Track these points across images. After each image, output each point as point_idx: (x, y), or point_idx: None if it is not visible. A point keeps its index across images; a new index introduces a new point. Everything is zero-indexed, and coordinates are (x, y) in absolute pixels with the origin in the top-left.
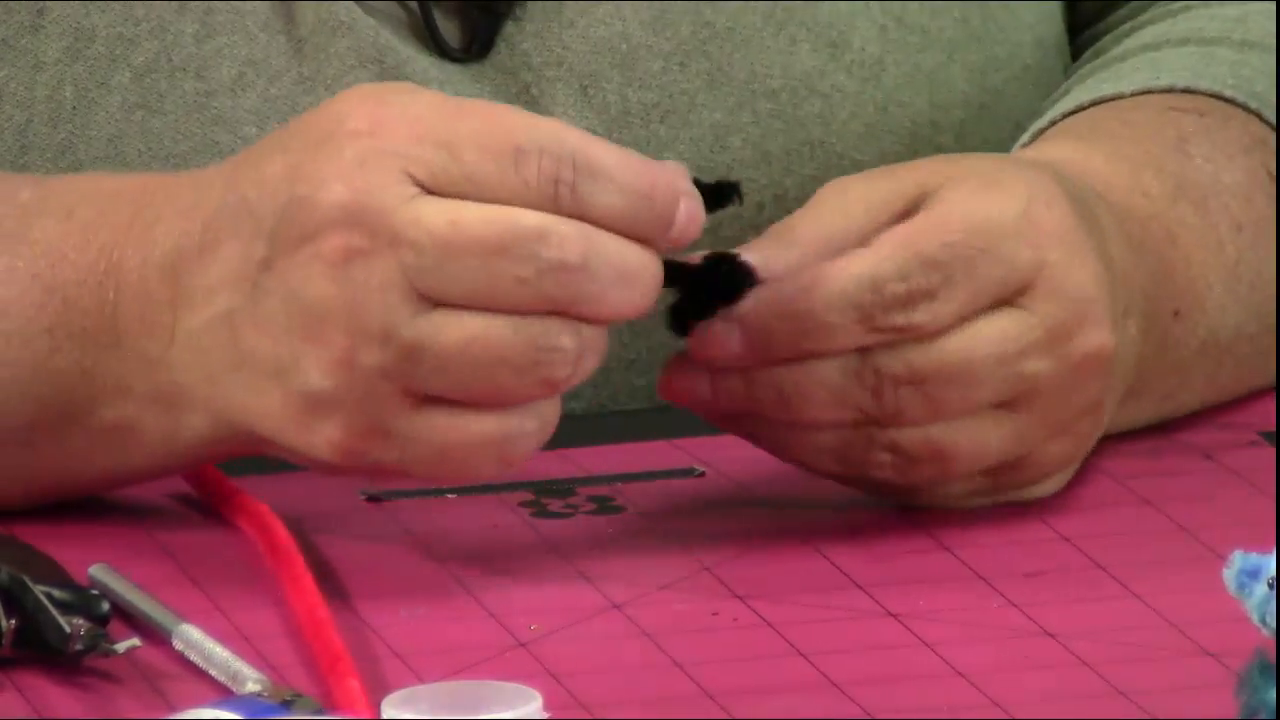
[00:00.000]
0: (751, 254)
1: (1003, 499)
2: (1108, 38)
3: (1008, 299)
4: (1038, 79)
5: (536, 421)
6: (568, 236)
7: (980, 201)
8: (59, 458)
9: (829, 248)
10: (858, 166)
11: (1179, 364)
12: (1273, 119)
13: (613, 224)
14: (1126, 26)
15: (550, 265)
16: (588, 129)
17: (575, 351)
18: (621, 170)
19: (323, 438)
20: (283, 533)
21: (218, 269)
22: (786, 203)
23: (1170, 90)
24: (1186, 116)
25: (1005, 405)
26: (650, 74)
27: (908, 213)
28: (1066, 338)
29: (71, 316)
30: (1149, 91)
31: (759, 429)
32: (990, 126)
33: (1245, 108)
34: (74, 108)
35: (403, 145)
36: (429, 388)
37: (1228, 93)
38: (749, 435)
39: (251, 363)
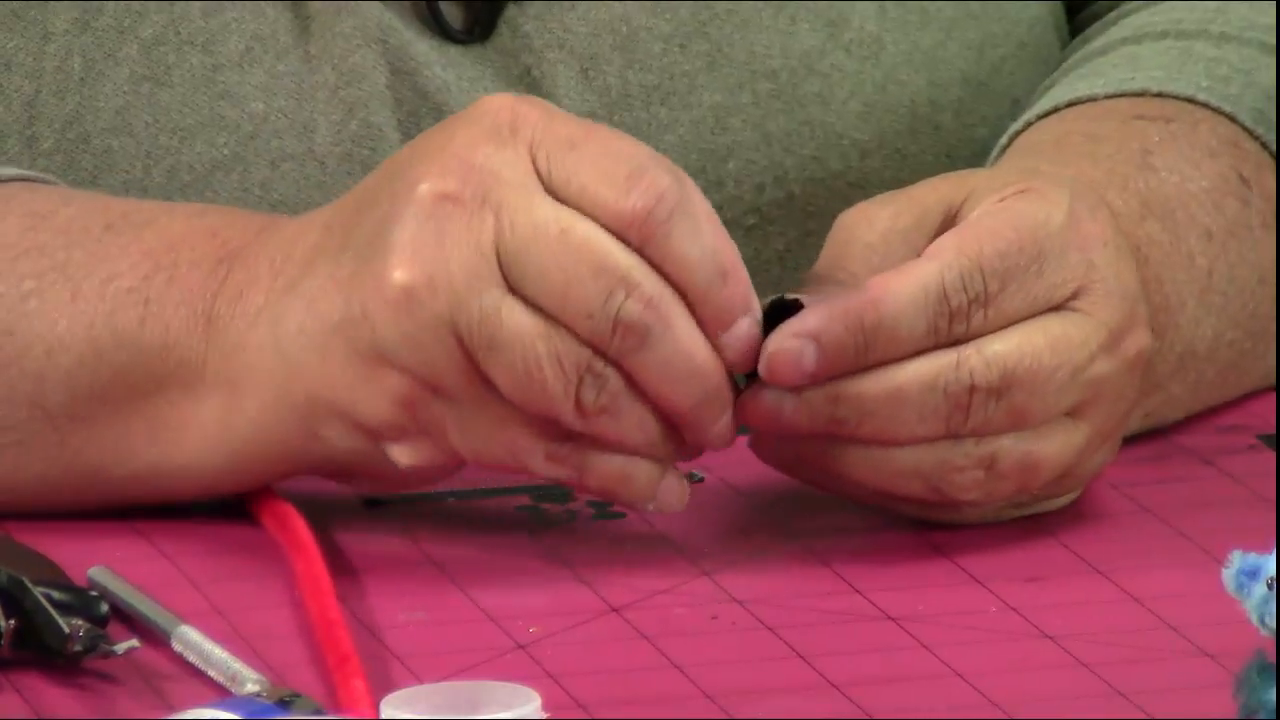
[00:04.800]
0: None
1: (1028, 512)
2: (1097, 24)
3: (1061, 304)
4: (1035, 56)
5: (598, 455)
6: (646, 293)
7: (1025, 207)
8: (107, 441)
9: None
10: (857, 146)
11: (1157, 382)
12: (1246, 119)
13: (682, 280)
14: (1113, 14)
15: (621, 313)
16: (588, 111)
17: (615, 390)
18: (714, 234)
19: (383, 387)
20: (305, 530)
21: (320, 247)
22: (786, 183)
23: (1144, 93)
24: (1153, 125)
25: (1074, 413)
26: (650, 55)
27: (943, 228)
28: (1122, 338)
29: (173, 291)
30: (1123, 94)
31: (839, 456)
32: (989, 104)
33: (1218, 110)
34: (82, 79)
35: (534, 132)
36: (486, 364)
37: (1200, 96)
38: (815, 469)
39: (320, 321)
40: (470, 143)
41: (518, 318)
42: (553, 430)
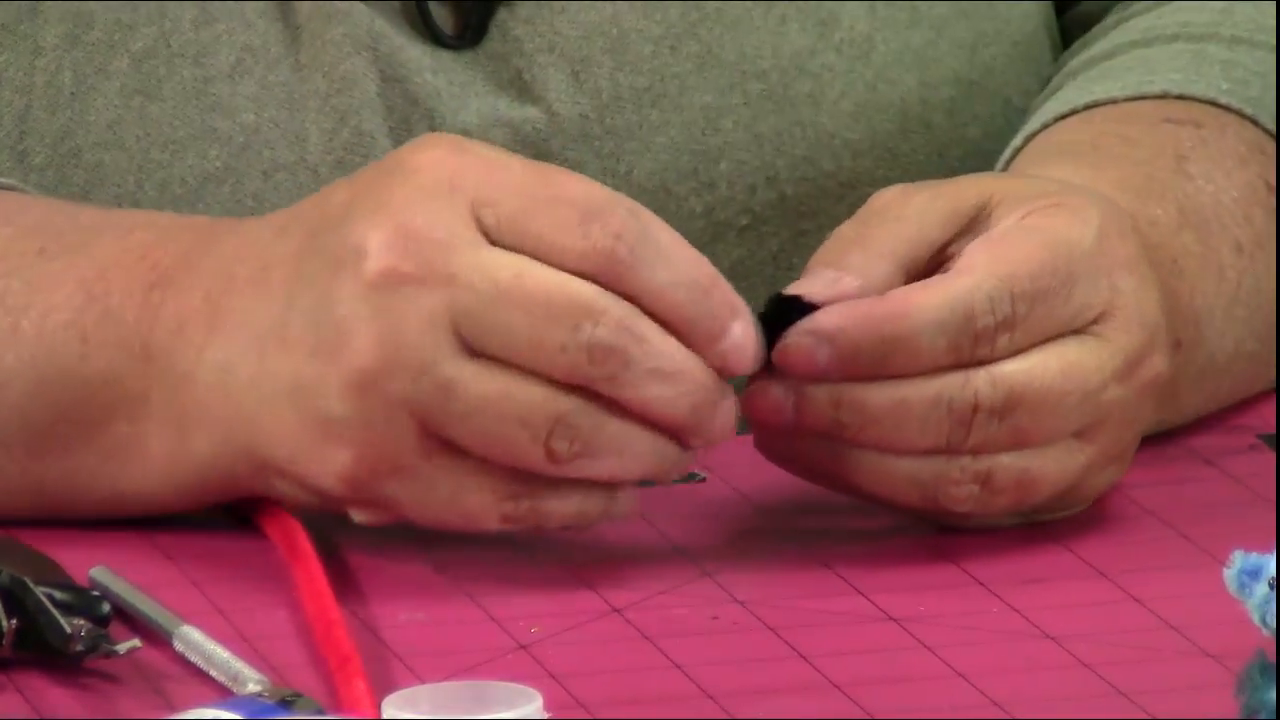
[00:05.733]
0: (829, 272)
1: (1031, 520)
2: (1096, 28)
3: (1083, 327)
4: (1026, 54)
5: (555, 501)
6: (614, 316)
7: (1057, 225)
8: (64, 472)
9: (904, 260)
10: (849, 146)
11: (1176, 392)
12: (1268, 124)
13: (664, 308)
14: (1112, 18)
15: (591, 341)
16: (580, 114)
17: (588, 433)
18: (683, 257)
19: (334, 465)
20: (302, 533)
21: (261, 290)
22: (778, 184)
23: (1164, 96)
24: (1184, 130)
25: (1081, 435)
26: (641, 58)
27: (971, 226)
28: (1139, 365)
29: (108, 325)
30: (1143, 96)
31: (836, 456)
32: (980, 103)
33: (1241, 114)
34: (73, 93)
35: (476, 188)
36: (448, 432)
37: (1223, 99)
38: (817, 469)
39: (272, 380)
40: (408, 204)
41: (479, 384)
42: (505, 490)
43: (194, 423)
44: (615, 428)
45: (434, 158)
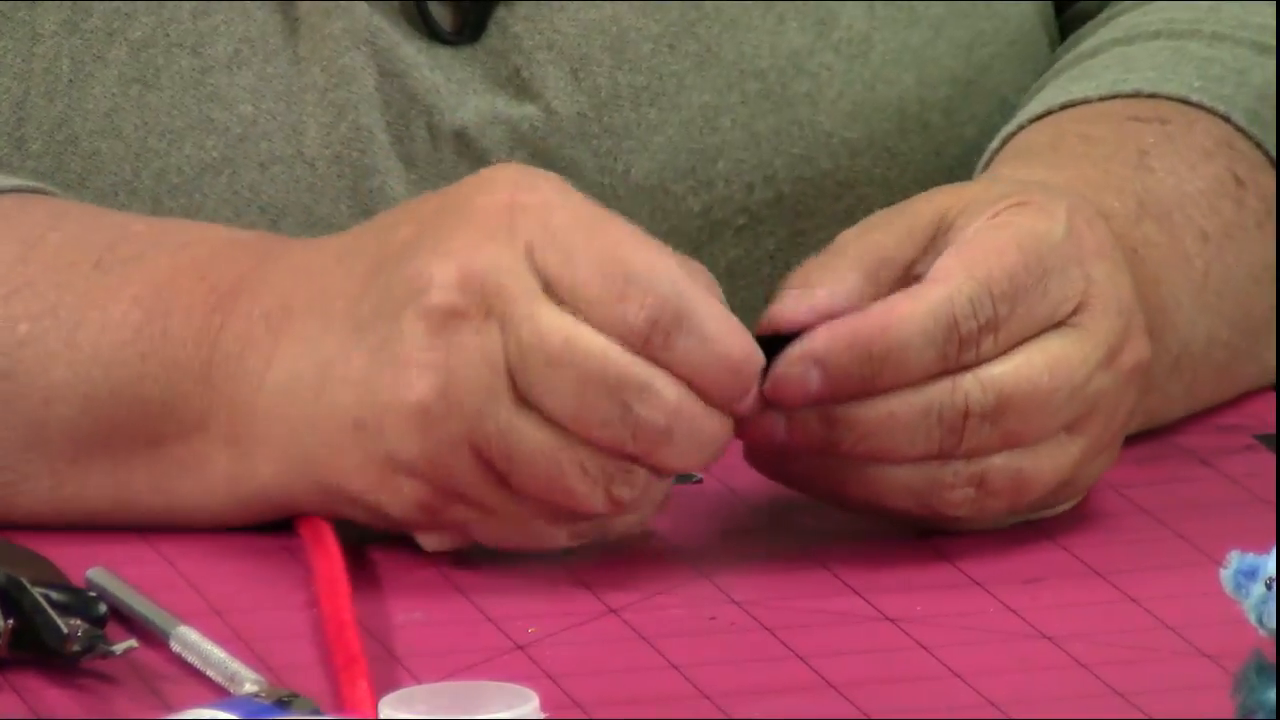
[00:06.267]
0: (795, 291)
1: (1027, 518)
2: (1088, 24)
3: (1063, 320)
4: (1025, 54)
5: (617, 521)
6: (664, 399)
7: (1025, 222)
8: (111, 485)
9: (869, 268)
10: (846, 145)
11: (1153, 383)
12: (1240, 119)
13: (693, 379)
14: (1104, 14)
15: (639, 421)
16: (578, 112)
17: (645, 481)
18: (720, 336)
19: (406, 495)
20: (330, 531)
21: (322, 319)
22: (776, 183)
23: (1136, 95)
24: (1148, 127)
25: (1071, 427)
26: (640, 56)
27: (933, 243)
28: (1120, 351)
29: (167, 346)
30: (1116, 96)
31: (832, 471)
32: (978, 103)
33: (1212, 111)
34: (70, 81)
35: (535, 234)
36: (509, 475)
37: (1194, 97)
38: (812, 484)
39: (336, 416)
40: (470, 246)
41: (534, 433)
42: (572, 519)
43: (257, 447)
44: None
45: (497, 200)
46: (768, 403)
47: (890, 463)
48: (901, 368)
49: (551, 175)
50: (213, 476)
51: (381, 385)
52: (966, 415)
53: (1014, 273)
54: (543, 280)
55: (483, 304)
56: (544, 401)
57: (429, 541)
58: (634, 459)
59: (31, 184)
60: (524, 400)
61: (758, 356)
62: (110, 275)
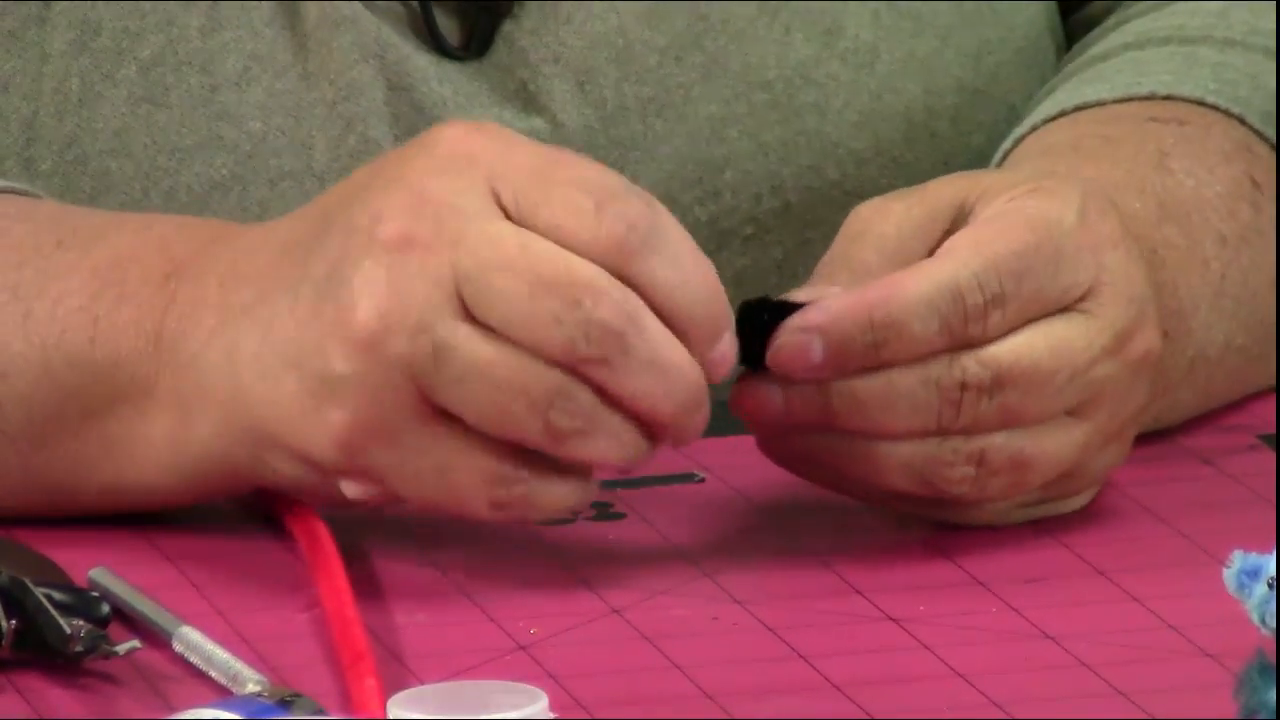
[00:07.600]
0: (818, 292)
1: (1040, 514)
2: (1095, 30)
3: (1071, 304)
4: (1032, 62)
5: (544, 488)
6: (616, 300)
7: (1038, 205)
8: (67, 463)
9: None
10: (853, 155)
11: (1167, 386)
12: (1255, 122)
13: (666, 305)
14: (1112, 20)
15: (590, 319)
16: (585, 124)
17: (589, 410)
18: (692, 258)
19: (328, 426)
20: (325, 531)
21: (275, 270)
22: (783, 193)
23: (1152, 97)
24: (1167, 128)
25: (1074, 412)
26: (646, 68)
27: (952, 228)
28: (1129, 340)
29: (121, 310)
30: (1131, 98)
31: (830, 447)
32: (985, 111)
33: (1228, 113)
34: (80, 100)
35: (492, 164)
36: (444, 398)
37: (1209, 99)
38: (815, 465)
39: (276, 350)
40: (425, 174)
41: (477, 347)
42: (495, 472)
43: (197, 406)
44: (607, 410)
45: (453, 134)
46: (771, 375)
47: (889, 438)
48: (905, 340)
49: (505, 128)
50: (154, 444)
51: (326, 310)
52: (964, 387)
53: (1023, 252)
54: (507, 207)
55: (436, 226)
56: (492, 310)
57: (348, 488)
58: (583, 372)
59: (14, 185)
60: (470, 316)
61: (726, 305)
62: (71, 252)
